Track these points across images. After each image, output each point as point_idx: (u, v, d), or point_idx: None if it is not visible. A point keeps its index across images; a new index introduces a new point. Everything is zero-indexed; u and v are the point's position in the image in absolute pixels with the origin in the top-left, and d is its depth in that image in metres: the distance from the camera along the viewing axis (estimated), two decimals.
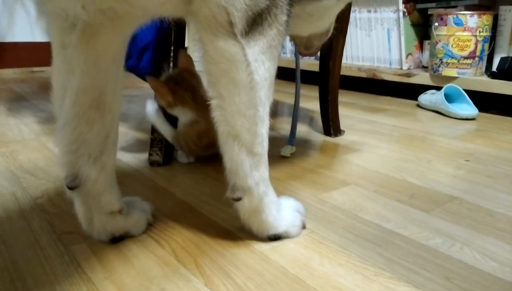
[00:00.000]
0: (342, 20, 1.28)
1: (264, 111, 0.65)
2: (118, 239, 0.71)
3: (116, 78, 0.68)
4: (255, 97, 0.63)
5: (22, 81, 2.53)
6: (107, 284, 0.60)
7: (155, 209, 0.81)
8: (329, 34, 0.93)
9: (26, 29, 2.84)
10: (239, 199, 0.68)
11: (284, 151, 1.16)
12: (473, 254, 0.69)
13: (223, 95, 0.62)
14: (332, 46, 1.29)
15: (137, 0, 0.57)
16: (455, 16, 1.74)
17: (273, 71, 0.65)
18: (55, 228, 0.76)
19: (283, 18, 0.62)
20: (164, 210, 0.83)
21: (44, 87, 2.31)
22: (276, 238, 0.72)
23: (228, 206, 0.84)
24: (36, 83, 2.45)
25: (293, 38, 0.94)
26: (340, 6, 0.81)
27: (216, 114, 0.64)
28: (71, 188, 0.68)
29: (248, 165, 0.66)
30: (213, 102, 0.63)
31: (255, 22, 0.59)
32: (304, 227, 0.76)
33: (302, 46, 0.93)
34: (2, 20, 2.77)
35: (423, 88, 1.93)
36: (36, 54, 2.90)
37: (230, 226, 0.77)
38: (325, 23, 0.84)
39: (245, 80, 0.61)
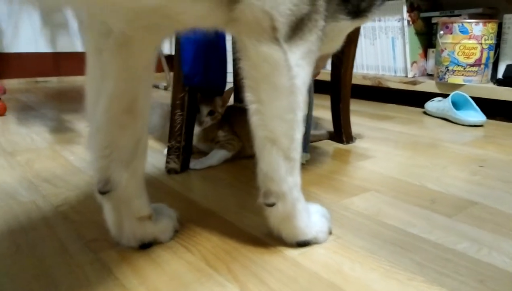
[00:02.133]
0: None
1: (300, 116, 0.66)
2: (147, 246, 0.71)
3: (147, 84, 0.69)
4: (295, 102, 0.63)
5: (27, 91, 2.53)
6: (141, 290, 0.60)
7: (180, 215, 0.81)
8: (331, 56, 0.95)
9: (31, 39, 2.85)
10: (272, 205, 0.68)
11: (303, 160, 1.17)
12: (502, 258, 0.69)
13: (263, 100, 0.62)
14: (343, 54, 1.30)
15: (180, 15, 0.57)
16: (460, 24, 1.76)
17: (310, 76, 0.66)
18: (81, 236, 0.76)
19: (322, 23, 0.63)
20: (188, 217, 0.83)
21: (50, 97, 2.32)
22: (305, 244, 0.72)
23: (253, 212, 0.85)
24: (41, 93, 2.45)
25: None
26: (352, 28, 0.82)
27: (254, 118, 0.64)
28: (102, 193, 0.68)
29: (284, 170, 0.66)
30: (252, 107, 0.64)
31: (297, 28, 0.60)
32: (330, 232, 0.76)
33: None
34: (7, 31, 2.77)
35: (429, 96, 1.95)
36: (40, 64, 2.91)
37: (257, 232, 0.78)
38: (337, 44, 0.84)
39: (286, 84, 0.61)
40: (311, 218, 0.73)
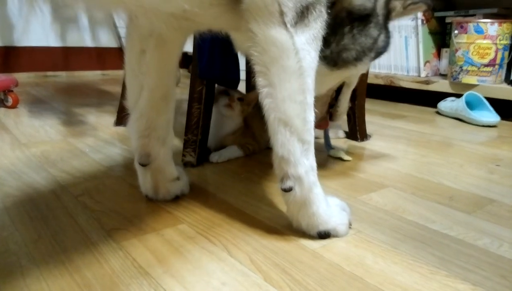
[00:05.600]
0: None
1: (310, 99, 0.68)
2: (177, 198, 0.87)
3: (175, 75, 0.81)
4: (304, 84, 0.66)
5: (37, 85, 2.55)
6: (166, 278, 0.60)
7: (198, 206, 0.81)
8: (326, 106, 0.98)
9: (41, 34, 2.86)
10: (290, 189, 0.69)
11: (344, 155, 1.17)
12: None
13: (274, 83, 0.65)
14: None
15: (198, 16, 0.66)
16: (475, 24, 1.76)
17: (316, 63, 0.68)
18: (102, 225, 0.76)
19: (325, 15, 0.67)
20: (207, 209, 0.84)
21: (61, 91, 2.33)
22: (326, 234, 0.72)
23: (270, 206, 0.85)
24: (51, 87, 2.46)
25: None
26: (336, 78, 0.86)
27: (267, 101, 0.66)
28: (143, 165, 0.83)
29: (299, 152, 0.67)
30: (264, 91, 0.66)
31: (303, 15, 0.64)
32: (350, 226, 0.76)
33: None
34: (17, 25, 2.78)
35: (442, 95, 1.94)
36: (49, 58, 2.91)
37: (276, 224, 0.78)
38: (319, 87, 0.84)
39: (295, 66, 0.64)
40: (330, 208, 0.73)
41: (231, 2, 0.64)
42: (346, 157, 1.17)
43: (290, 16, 0.63)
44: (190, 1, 0.61)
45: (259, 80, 0.66)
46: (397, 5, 0.84)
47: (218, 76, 1.07)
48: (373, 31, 0.79)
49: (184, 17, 0.65)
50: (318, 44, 0.68)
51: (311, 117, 0.68)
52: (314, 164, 0.71)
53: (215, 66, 1.05)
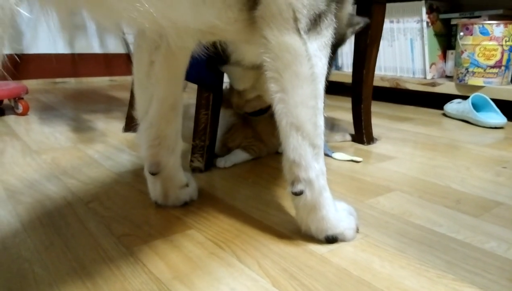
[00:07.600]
0: (376, 29, 1.30)
1: (321, 104, 0.69)
2: (187, 203, 0.89)
3: (183, 84, 0.81)
4: (316, 89, 0.67)
5: (47, 91, 2.57)
6: (176, 283, 0.61)
7: (207, 211, 0.82)
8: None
9: (49, 40, 2.89)
10: (301, 193, 0.70)
11: (354, 157, 1.20)
12: None
13: (287, 88, 0.66)
14: (366, 55, 1.31)
15: (223, 31, 0.68)
16: (481, 25, 1.76)
17: (326, 69, 0.70)
18: (113, 231, 0.77)
19: (335, 23, 0.69)
20: (215, 214, 0.85)
21: (70, 98, 2.35)
22: (333, 239, 0.73)
23: (278, 210, 0.86)
24: (60, 94, 2.48)
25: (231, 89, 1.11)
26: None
27: (279, 107, 0.68)
28: (153, 174, 0.85)
29: (310, 156, 0.69)
30: (276, 96, 0.67)
31: (316, 22, 0.65)
32: (357, 230, 0.77)
33: (234, 98, 1.11)
34: (26, 32, 2.82)
35: (448, 97, 1.94)
36: (58, 65, 2.94)
37: (284, 229, 0.78)
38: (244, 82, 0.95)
39: (307, 72, 0.65)
40: (339, 212, 0.74)
41: (251, 16, 0.65)
42: (357, 158, 1.19)
43: (304, 23, 0.64)
44: (219, 18, 0.63)
45: (271, 86, 0.67)
46: (348, 34, 0.92)
47: (193, 80, 1.08)
48: (335, 54, 0.87)
49: (210, 32, 0.67)
50: (328, 51, 0.69)
51: (321, 122, 0.70)
52: (324, 168, 0.72)
53: (191, 71, 1.07)
